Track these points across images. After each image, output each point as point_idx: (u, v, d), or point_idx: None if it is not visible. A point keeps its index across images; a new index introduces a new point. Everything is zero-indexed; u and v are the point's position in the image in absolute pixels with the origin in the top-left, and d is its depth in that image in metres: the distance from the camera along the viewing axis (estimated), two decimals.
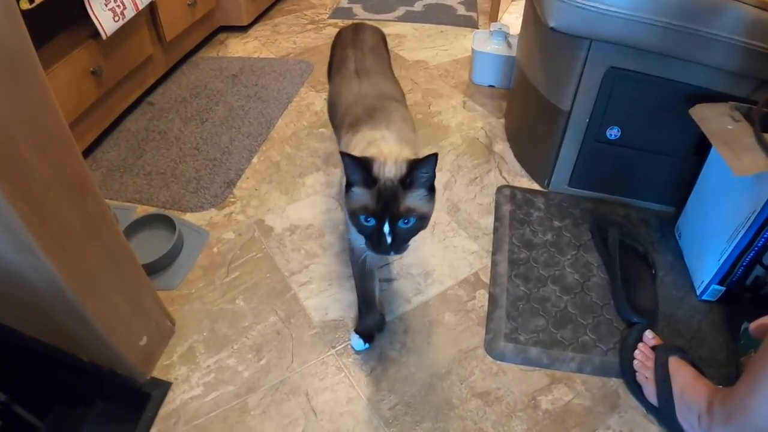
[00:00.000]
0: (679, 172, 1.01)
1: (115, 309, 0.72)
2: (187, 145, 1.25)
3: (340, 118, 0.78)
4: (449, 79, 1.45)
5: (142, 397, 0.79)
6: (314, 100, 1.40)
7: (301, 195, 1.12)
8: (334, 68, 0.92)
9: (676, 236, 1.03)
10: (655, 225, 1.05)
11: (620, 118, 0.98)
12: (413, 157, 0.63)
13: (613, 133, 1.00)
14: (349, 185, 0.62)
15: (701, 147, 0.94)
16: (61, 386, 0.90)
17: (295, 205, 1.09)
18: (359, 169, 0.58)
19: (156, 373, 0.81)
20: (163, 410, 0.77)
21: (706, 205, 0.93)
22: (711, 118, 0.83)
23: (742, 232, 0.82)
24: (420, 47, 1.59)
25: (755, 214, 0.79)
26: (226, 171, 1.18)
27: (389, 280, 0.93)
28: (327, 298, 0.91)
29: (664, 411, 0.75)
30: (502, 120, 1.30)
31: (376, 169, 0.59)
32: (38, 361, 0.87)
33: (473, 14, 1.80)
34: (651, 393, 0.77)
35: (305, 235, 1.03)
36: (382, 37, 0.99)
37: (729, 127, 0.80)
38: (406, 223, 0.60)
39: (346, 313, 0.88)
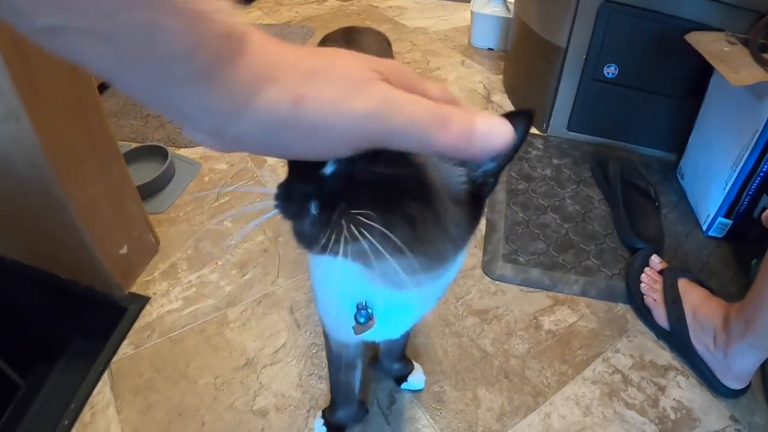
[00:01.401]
0: (679, 115, 0.97)
1: (95, 203, 0.68)
2: None
3: None
4: (448, 43, 1.44)
5: (118, 312, 0.74)
6: None
7: None
8: None
9: (679, 178, 0.98)
10: (657, 169, 1.00)
11: (617, 55, 0.95)
12: None
13: (610, 71, 0.99)
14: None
15: (699, 86, 0.91)
16: (40, 322, 0.85)
17: None
18: None
19: (135, 290, 0.75)
20: (138, 323, 0.71)
21: (709, 138, 0.90)
22: (707, 42, 0.82)
23: (746, 155, 0.78)
24: (420, 17, 1.58)
25: (758, 133, 0.75)
26: None
27: None
28: None
29: (675, 333, 0.69)
30: (501, 76, 1.30)
31: None
32: (18, 291, 0.83)
33: None
34: (661, 316, 0.71)
35: None
36: (388, 44, 0.68)
37: (725, 49, 0.79)
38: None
39: None
